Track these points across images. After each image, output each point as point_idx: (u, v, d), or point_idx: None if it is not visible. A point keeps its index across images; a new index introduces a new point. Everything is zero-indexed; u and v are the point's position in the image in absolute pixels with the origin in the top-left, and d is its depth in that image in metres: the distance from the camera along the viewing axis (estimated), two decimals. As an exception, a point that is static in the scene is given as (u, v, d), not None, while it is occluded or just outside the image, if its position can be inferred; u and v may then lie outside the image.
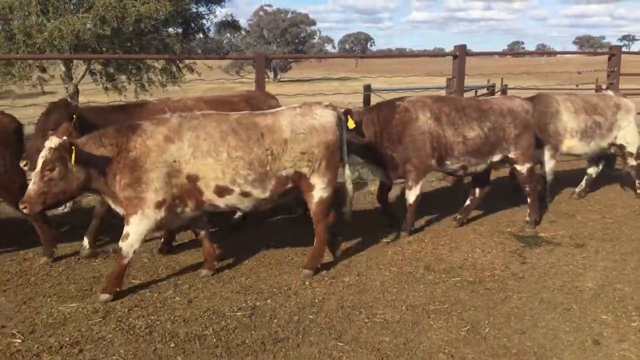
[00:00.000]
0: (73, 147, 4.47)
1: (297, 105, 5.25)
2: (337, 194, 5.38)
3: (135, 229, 4.74)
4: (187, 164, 4.73)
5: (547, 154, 7.40)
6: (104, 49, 7.04)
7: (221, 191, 4.83)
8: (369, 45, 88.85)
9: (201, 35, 10.27)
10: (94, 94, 8.60)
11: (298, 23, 64.46)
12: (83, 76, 8.00)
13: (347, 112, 5.64)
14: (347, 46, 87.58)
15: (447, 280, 5.14)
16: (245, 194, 4.90)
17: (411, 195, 6.25)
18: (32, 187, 4.51)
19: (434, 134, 6.15)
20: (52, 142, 4.52)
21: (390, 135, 6.09)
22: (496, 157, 6.54)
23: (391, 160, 6.18)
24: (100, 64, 8.22)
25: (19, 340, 4.08)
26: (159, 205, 4.72)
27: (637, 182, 8.04)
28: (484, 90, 13.72)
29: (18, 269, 5.44)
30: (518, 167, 6.66)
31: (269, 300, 4.73)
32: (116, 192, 4.72)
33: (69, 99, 5.48)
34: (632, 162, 7.95)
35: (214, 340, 4.09)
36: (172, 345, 4.03)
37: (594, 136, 7.55)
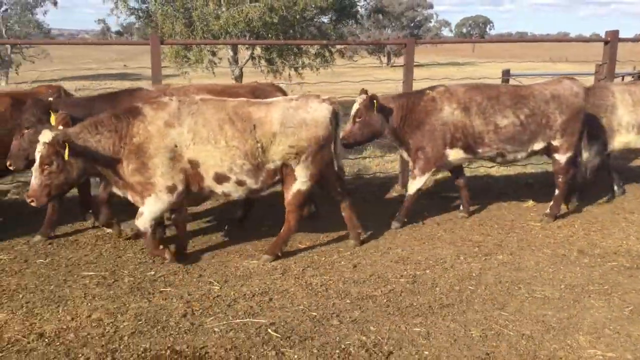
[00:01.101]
0: (66, 143, 4.53)
1: (293, 97, 5.31)
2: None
3: (150, 209, 4.93)
4: (188, 149, 4.84)
5: (594, 149, 6.84)
6: (270, 35, 7.70)
7: (219, 178, 4.97)
8: (487, 29, 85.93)
9: (352, 22, 10.78)
10: (256, 76, 9.37)
11: (414, 6, 63.63)
12: (247, 60, 8.76)
13: (373, 97, 5.94)
14: (465, 30, 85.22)
15: (603, 264, 5.23)
16: (240, 183, 5.04)
17: (413, 185, 6.25)
18: (34, 181, 4.65)
19: (459, 124, 6.10)
20: (46, 136, 4.55)
21: (411, 121, 6.15)
22: (538, 145, 6.33)
23: (408, 146, 6.28)
24: (263, 49, 8.94)
25: (217, 287, 4.77)
26: (170, 190, 4.89)
27: None
28: (629, 78, 13.10)
29: (201, 227, 6.22)
30: (557, 155, 6.37)
31: (427, 271, 5.11)
32: (125, 177, 4.85)
33: (47, 94, 5.62)
34: None
35: (385, 300, 4.54)
36: (348, 301, 4.52)
37: None
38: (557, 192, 6.45)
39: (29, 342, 3.87)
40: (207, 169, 4.90)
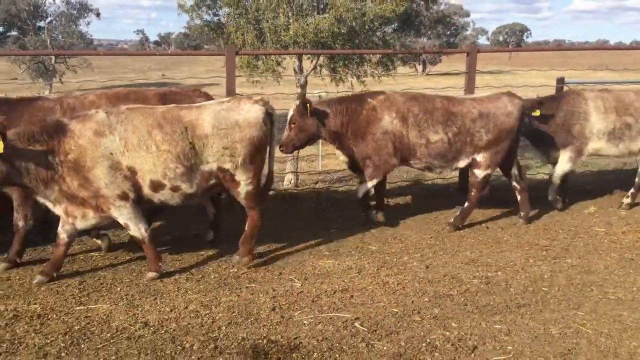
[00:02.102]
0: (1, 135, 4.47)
1: (225, 100, 5.35)
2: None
3: (126, 217, 4.98)
4: (123, 156, 4.83)
5: (567, 155, 6.95)
6: (336, 45, 8.02)
7: (155, 186, 4.96)
8: (524, 37, 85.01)
9: (412, 32, 11.08)
10: (319, 86, 9.70)
11: (451, 14, 63.43)
12: (312, 69, 9.10)
13: (305, 102, 6.09)
14: (501, 37, 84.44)
15: (673, 269, 5.33)
16: (175, 189, 5.02)
17: (362, 189, 6.45)
18: None
19: (397, 134, 6.21)
20: None
21: (355, 130, 6.26)
22: (462, 163, 6.42)
23: (352, 153, 6.40)
24: (327, 58, 9.27)
25: (298, 284, 5.04)
26: (122, 198, 4.89)
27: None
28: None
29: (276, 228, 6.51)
30: (477, 171, 6.41)
31: (499, 273, 5.29)
32: (69, 194, 4.81)
33: None
34: None
35: (462, 299, 4.74)
36: (426, 299, 4.74)
37: (622, 138, 6.96)
38: (466, 204, 6.53)
39: (136, 330, 4.19)
40: (144, 175, 4.90)
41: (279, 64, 9.07)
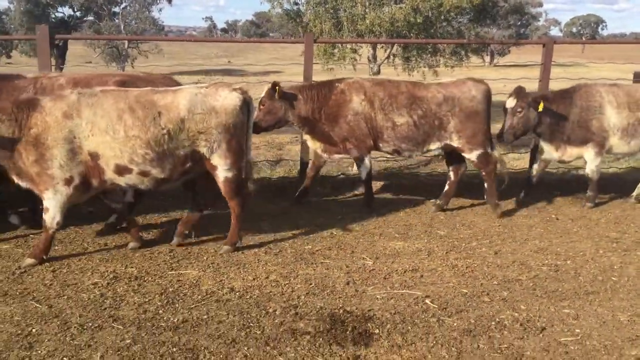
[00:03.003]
0: None
1: (204, 85, 5.33)
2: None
3: (53, 204, 4.93)
4: (87, 140, 4.82)
5: (591, 152, 6.80)
6: (411, 35, 8.18)
7: (120, 170, 4.94)
8: (599, 29, 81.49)
9: (488, 21, 11.07)
10: (392, 74, 9.89)
11: (524, 4, 61.53)
12: (386, 58, 9.31)
13: (274, 85, 6.25)
14: (574, 29, 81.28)
15: None
16: (144, 173, 5.00)
17: (362, 172, 6.67)
18: None
19: (367, 116, 6.43)
20: None
21: (328, 114, 6.47)
22: (433, 145, 6.59)
23: (329, 137, 6.57)
24: (402, 48, 9.45)
25: (370, 262, 5.31)
26: (67, 182, 4.87)
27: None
28: None
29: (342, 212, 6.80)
30: (466, 155, 6.61)
31: (568, 262, 5.37)
32: (24, 168, 4.85)
33: None
34: None
35: (531, 284, 4.88)
36: (495, 282, 4.91)
37: (635, 135, 6.79)
38: (485, 185, 6.71)
39: (223, 294, 4.58)
40: (107, 160, 4.88)
41: (355, 51, 9.32)
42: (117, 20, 50.63)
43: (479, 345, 3.91)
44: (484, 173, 6.70)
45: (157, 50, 48.01)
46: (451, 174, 6.92)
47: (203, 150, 5.10)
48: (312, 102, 6.54)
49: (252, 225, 6.23)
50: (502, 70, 43.33)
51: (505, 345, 3.92)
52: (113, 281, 4.74)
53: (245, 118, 5.28)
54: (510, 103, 6.58)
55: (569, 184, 7.89)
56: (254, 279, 4.87)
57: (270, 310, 4.34)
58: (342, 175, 8.13)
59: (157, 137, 4.90)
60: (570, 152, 6.93)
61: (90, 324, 4.04)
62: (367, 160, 6.67)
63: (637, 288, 4.80)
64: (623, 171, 8.51)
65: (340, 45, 8.89)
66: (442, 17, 8.18)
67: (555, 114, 6.71)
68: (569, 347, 3.91)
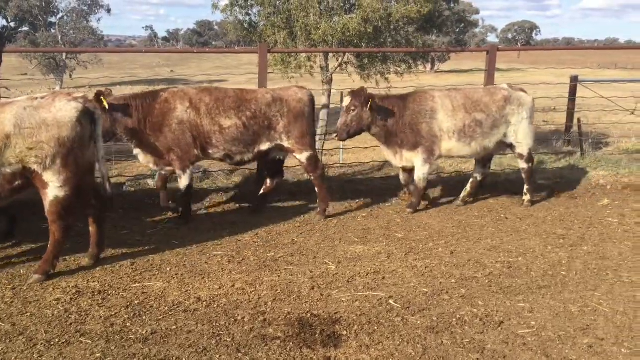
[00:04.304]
0: None
1: (38, 96, 4.95)
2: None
3: None
4: None
5: (420, 158, 6.93)
6: (362, 44, 8.40)
7: None
8: (534, 35, 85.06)
9: (435, 31, 11.45)
10: (344, 81, 10.07)
11: (460, 12, 63.45)
12: (338, 66, 9.50)
13: (99, 93, 6.04)
14: (510, 35, 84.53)
15: (683, 256, 5.69)
16: None
17: (181, 184, 6.58)
18: None
19: (193, 123, 6.42)
20: None
21: (152, 124, 6.38)
22: (264, 146, 6.69)
23: (155, 148, 6.49)
24: (354, 56, 9.66)
25: (333, 267, 5.43)
26: None
27: (525, 187, 7.37)
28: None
29: (301, 219, 6.90)
30: (297, 156, 6.80)
31: (519, 258, 5.66)
32: None
33: None
34: (522, 164, 7.27)
35: (486, 281, 5.12)
36: (453, 281, 5.12)
37: (474, 136, 6.95)
38: (317, 189, 6.91)
39: (190, 304, 4.59)
40: None
41: (309, 59, 9.49)
42: (53, 31, 49.15)
43: (442, 341, 4.09)
44: (313, 177, 6.88)
45: (96, 60, 46.82)
46: (268, 180, 7.15)
47: (34, 167, 4.74)
48: (138, 112, 6.35)
49: (214, 234, 6.27)
50: (444, 77, 44.76)
51: (467, 340, 4.11)
52: (76, 296, 4.67)
53: (85, 130, 4.93)
54: (345, 102, 6.76)
55: (513, 184, 8.25)
56: (219, 288, 4.91)
57: (239, 318, 4.39)
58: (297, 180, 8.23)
59: None
60: (406, 157, 7.02)
61: (57, 340, 3.98)
62: (189, 172, 6.57)
63: (585, 281, 5.12)
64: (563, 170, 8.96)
65: (295, 54, 9.05)
66: (392, 27, 8.46)
67: (387, 117, 6.83)
68: (527, 339, 4.14)
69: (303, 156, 6.78)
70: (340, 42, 8.36)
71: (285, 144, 6.73)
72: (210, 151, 6.60)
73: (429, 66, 55.72)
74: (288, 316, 4.43)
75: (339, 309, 4.57)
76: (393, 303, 4.66)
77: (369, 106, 6.66)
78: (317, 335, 4.15)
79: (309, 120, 6.81)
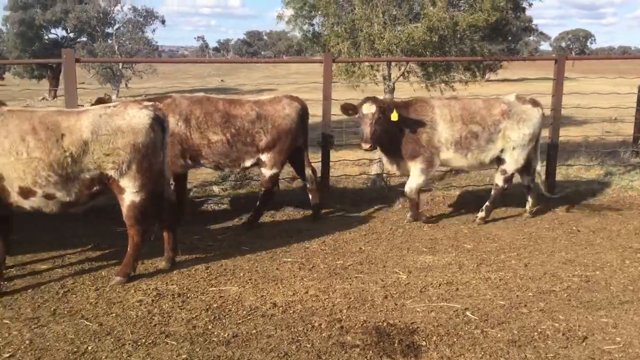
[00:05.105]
0: None
1: (111, 105, 5.17)
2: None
3: None
4: None
5: (418, 167, 6.79)
6: (427, 53, 8.38)
7: (25, 193, 4.73)
8: (588, 43, 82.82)
9: (500, 39, 11.34)
10: (408, 90, 10.08)
11: (525, 20, 62.22)
12: (400, 76, 9.51)
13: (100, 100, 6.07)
14: (564, 44, 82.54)
15: None
16: (49, 197, 4.78)
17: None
18: None
19: (183, 136, 6.37)
20: None
21: None
22: (248, 162, 6.65)
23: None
24: (418, 65, 9.66)
25: (404, 276, 5.41)
26: None
27: (486, 204, 7.04)
28: None
29: (366, 227, 6.90)
30: (263, 170, 6.69)
31: (597, 272, 5.50)
32: None
33: None
34: (499, 181, 7.01)
35: (565, 295, 4.99)
36: (530, 294, 5.01)
37: (470, 148, 6.79)
38: (258, 202, 6.84)
39: (267, 309, 4.65)
40: (12, 182, 4.68)
41: (372, 67, 9.55)
42: (110, 41, 50.94)
43: (526, 355, 4.01)
44: (263, 191, 6.83)
45: (151, 70, 48.24)
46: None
47: (111, 172, 4.89)
48: None
49: (281, 241, 6.35)
50: (495, 86, 44.01)
51: (552, 355, 4.02)
52: (157, 298, 4.81)
53: (158, 137, 5.07)
54: (370, 109, 6.52)
55: (583, 196, 8.04)
56: (293, 294, 4.95)
57: (316, 324, 4.41)
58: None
59: (59, 159, 4.69)
60: (403, 166, 6.92)
61: (143, 341, 4.10)
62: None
63: (668, 297, 4.93)
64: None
65: (359, 63, 9.10)
66: (458, 36, 8.40)
67: (392, 125, 6.65)
68: (614, 355, 4.02)
69: (269, 172, 6.73)
70: (403, 52, 8.36)
71: (262, 157, 6.67)
72: (202, 161, 6.63)
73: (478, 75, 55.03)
74: (364, 324, 4.43)
75: (414, 319, 4.54)
76: (470, 315, 4.60)
77: (393, 113, 6.54)
78: (395, 345, 4.13)
79: (292, 137, 6.73)
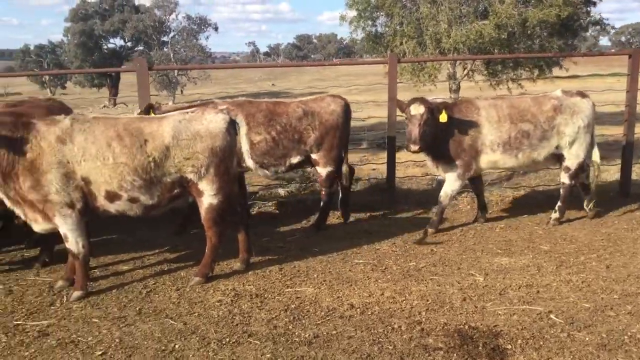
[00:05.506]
0: None
1: (188, 110, 5.30)
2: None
3: (68, 228, 4.84)
4: (79, 165, 4.74)
5: (455, 172, 6.55)
6: (495, 50, 8.23)
7: (111, 196, 4.86)
8: (650, 37, 79.29)
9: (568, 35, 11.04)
10: (472, 89, 9.95)
11: (595, 14, 60.33)
12: (465, 75, 9.39)
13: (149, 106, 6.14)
14: (624, 38, 79.35)
15: None
16: (133, 200, 4.92)
17: None
18: None
19: None
20: None
21: None
22: (295, 159, 6.62)
23: None
24: (484, 63, 9.52)
25: (480, 279, 5.30)
26: (69, 206, 4.78)
27: (558, 204, 6.80)
28: None
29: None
30: (318, 169, 6.71)
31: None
32: (20, 194, 4.73)
33: None
34: (565, 179, 6.74)
35: (652, 298, 4.78)
36: (615, 297, 4.82)
37: (520, 147, 6.51)
38: (322, 203, 6.86)
39: (345, 311, 4.65)
40: (99, 186, 4.82)
41: (435, 68, 9.43)
42: (166, 49, 52.38)
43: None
44: (323, 192, 6.82)
45: (205, 76, 49.27)
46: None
47: (191, 176, 5.01)
48: None
49: (350, 242, 6.35)
50: (557, 83, 42.75)
51: (647, 360, 3.85)
52: (236, 298, 4.88)
53: (233, 140, 5.19)
54: (419, 109, 6.29)
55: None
56: (369, 296, 4.93)
57: (396, 326, 4.38)
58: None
59: (143, 163, 4.84)
60: (442, 169, 6.69)
61: (227, 340, 4.17)
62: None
63: None
64: None
65: (431, 64, 9.00)
66: (528, 32, 8.19)
67: (437, 126, 6.41)
68: None
69: (324, 170, 6.74)
70: (470, 50, 8.21)
71: (313, 155, 6.69)
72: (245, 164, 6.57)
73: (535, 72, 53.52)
74: (445, 327, 4.36)
75: (497, 322, 4.44)
76: (554, 318, 4.46)
77: (442, 114, 6.35)
78: (480, 348, 4.05)
79: (340, 133, 6.74)
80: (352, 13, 8.96)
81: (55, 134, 4.72)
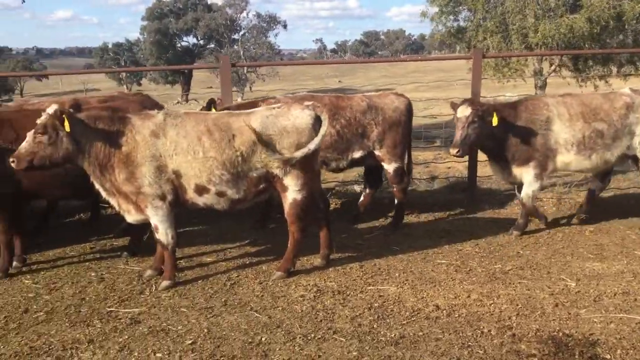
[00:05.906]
0: (65, 116, 4.67)
1: (276, 106, 5.23)
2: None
3: (159, 220, 4.96)
4: (171, 158, 4.84)
5: (531, 173, 6.15)
6: (585, 45, 7.85)
7: (200, 190, 4.92)
8: None
9: None
10: (558, 86, 9.58)
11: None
12: (552, 71, 9.02)
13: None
14: None
15: None
16: (220, 194, 4.96)
17: None
18: (23, 144, 4.75)
19: None
20: (51, 108, 4.75)
21: None
22: (357, 154, 6.48)
23: None
24: (570, 59, 9.13)
25: (572, 284, 5.05)
26: (161, 198, 4.89)
27: None
28: None
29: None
30: (385, 165, 6.58)
31: None
32: (115, 185, 4.89)
33: None
34: None
35: None
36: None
37: (595, 148, 6.11)
38: (396, 200, 6.73)
39: (430, 312, 4.54)
40: (189, 179, 4.91)
41: (522, 64, 9.11)
42: (236, 47, 53.48)
43: None
44: (395, 189, 6.71)
45: (273, 73, 49.95)
46: (367, 189, 7.05)
47: (276, 171, 5.03)
48: None
49: (430, 242, 6.22)
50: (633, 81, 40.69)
51: None
52: (318, 294, 4.87)
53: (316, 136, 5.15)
54: (465, 112, 5.99)
55: None
56: (455, 298, 4.80)
57: (485, 330, 4.23)
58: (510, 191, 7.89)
59: (231, 158, 4.91)
60: (514, 173, 6.28)
61: (312, 335, 4.16)
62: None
63: None
64: None
65: (517, 59, 8.71)
66: (625, 26, 7.74)
67: (500, 128, 6.06)
68: None
69: (391, 167, 6.59)
70: (558, 45, 7.86)
71: (377, 152, 6.55)
72: None
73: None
74: (538, 333, 4.18)
75: (592, 330, 4.21)
76: (657, 328, 4.18)
77: (492, 118, 6.00)
78: (576, 356, 3.85)
79: (403, 130, 6.58)
80: (434, 9, 8.80)
81: (149, 128, 4.88)
